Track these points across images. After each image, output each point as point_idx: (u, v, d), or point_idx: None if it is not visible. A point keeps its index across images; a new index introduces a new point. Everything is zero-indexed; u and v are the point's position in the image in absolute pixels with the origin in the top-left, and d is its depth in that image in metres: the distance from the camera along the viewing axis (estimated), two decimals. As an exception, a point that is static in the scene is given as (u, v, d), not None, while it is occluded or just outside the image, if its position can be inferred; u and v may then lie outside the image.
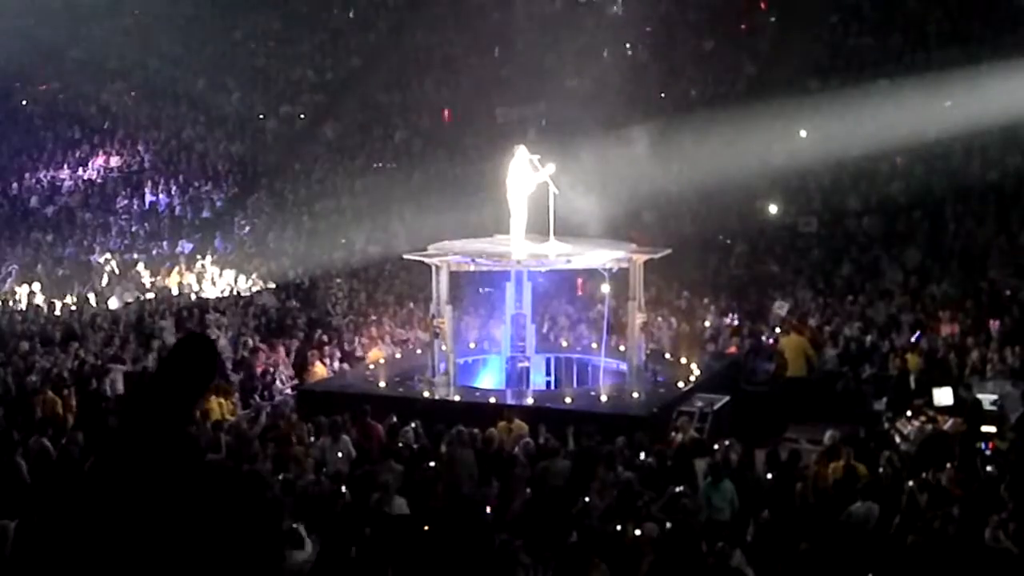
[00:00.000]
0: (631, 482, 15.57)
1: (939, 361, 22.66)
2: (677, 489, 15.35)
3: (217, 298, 31.65)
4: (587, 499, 14.92)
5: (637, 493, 15.19)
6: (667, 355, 24.21)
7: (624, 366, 22.97)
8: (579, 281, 28.24)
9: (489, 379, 23.88)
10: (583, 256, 22.59)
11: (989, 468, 15.93)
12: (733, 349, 25.25)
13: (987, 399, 19.95)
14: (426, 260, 22.90)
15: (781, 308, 26.61)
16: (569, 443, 18.32)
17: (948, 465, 16.11)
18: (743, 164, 32.07)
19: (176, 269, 35.63)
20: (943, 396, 20.25)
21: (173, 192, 42.31)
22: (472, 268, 23.03)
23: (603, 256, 22.55)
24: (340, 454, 17.70)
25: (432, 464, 16.77)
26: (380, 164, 41.33)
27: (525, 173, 22.39)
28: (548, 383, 23.92)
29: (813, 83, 36.82)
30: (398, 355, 24.99)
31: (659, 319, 25.87)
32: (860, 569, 12.08)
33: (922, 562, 12.43)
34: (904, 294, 27.10)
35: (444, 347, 22.31)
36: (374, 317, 27.98)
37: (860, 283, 28.47)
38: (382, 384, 22.28)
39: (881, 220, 31.37)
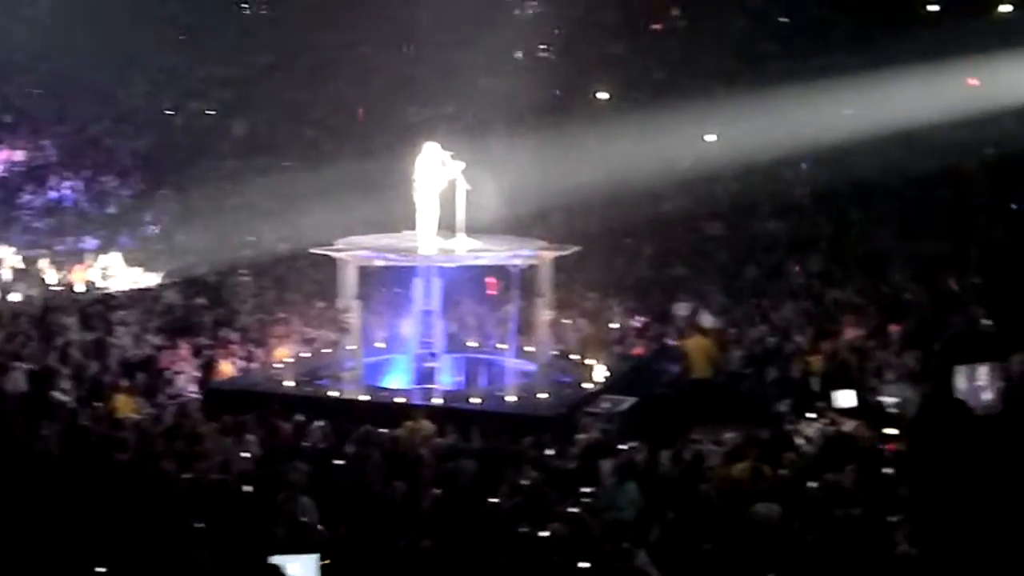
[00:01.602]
0: (537, 483, 15.67)
1: (841, 364, 23.01)
2: (583, 490, 15.46)
3: (122, 295, 31.25)
4: (494, 500, 14.97)
5: (543, 494, 15.28)
6: (574, 356, 24.33)
7: (532, 367, 23.08)
8: (489, 281, 28.30)
9: (397, 379, 23.86)
10: (492, 253, 22.67)
11: (888, 470, 16.20)
12: (639, 350, 25.45)
13: (888, 402, 20.31)
14: (333, 254, 22.82)
15: (687, 310, 26.86)
16: (476, 443, 18.38)
17: (849, 467, 16.39)
18: (651, 166, 32.35)
19: (81, 265, 35.12)
20: (845, 398, 20.57)
21: (78, 187, 41.72)
22: (380, 263, 22.97)
23: (512, 253, 22.62)
24: (246, 453, 17.59)
25: (339, 464, 16.74)
26: (290, 162, 41.11)
27: (435, 170, 22.48)
28: (456, 384, 23.94)
29: (720, 87, 37.22)
30: (306, 354, 24.87)
31: (566, 320, 25.97)
32: (762, 569, 12.25)
33: (822, 561, 12.64)
34: (807, 298, 27.48)
35: (352, 343, 22.27)
36: (282, 315, 27.81)
37: (764, 286, 28.82)
38: (289, 383, 22.19)
39: (786, 224, 31.82)
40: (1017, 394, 18.95)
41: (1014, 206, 29.91)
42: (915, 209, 31.06)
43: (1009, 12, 37.85)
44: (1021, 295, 25.41)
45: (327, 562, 11.85)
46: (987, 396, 11.57)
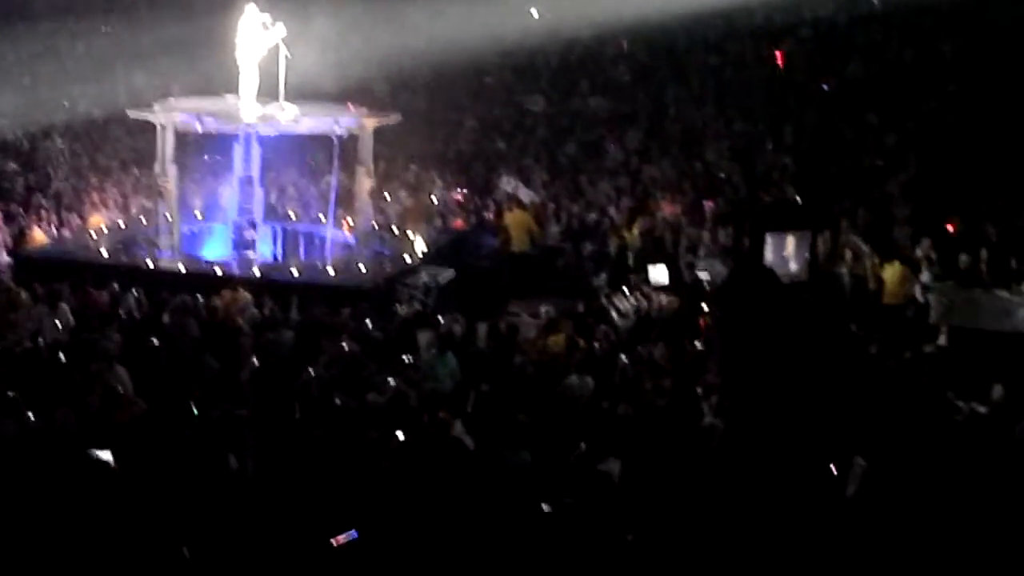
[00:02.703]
0: (356, 353, 15.77)
1: (657, 239, 23.48)
2: (403, 358, 15.63)
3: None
4: (312, 370, 15.03)
5: (361, 364, 15.40)
6: (394, 228, 24.35)
7: (351, 238, 23.05)
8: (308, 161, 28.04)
9: (215, 248, 23.59)
10: (313, 119, 22.45)
11: (698, 344, 16.70)
12: (459, 224, 25.59)
13: (701, 277, 20.87)
14: (150, 118, 22.34)
15: (508, 184, 27.02)
16: (294, 314, 18.39)
17: (661, 341, 16.85)
18: (475, 39, 32.20)
19: None
20: (658, 273, 21.06)
21: None
22: (199, 128, 22.55)
23: (333, 120, 22.42)
24: (58, 322, 17.30)
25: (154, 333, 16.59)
26: (105, 26, 39.78)
27: (255, 33, 22.09)
28: (275, 254, 23.79)
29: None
30: (121, 222, 24.39)
31: (386, 194, 25.92)
32: (574, 439, 12.56)
33: (633, 433, 13.02)
34: (625, 174, 27.85)
35: (168, 210, 21.95)
36: (96, 182, 27.19)
37: (583, 161, 29.10)
38: (104, 251, 21.81)
39: (606, 100, 32.08)
40: (821, 266, 19.73)
41: (825, 87, 30.57)
42: (731, 88, 31.56)
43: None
44: (830, 173, 26.22)
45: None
46: (793, 266, 11.99)
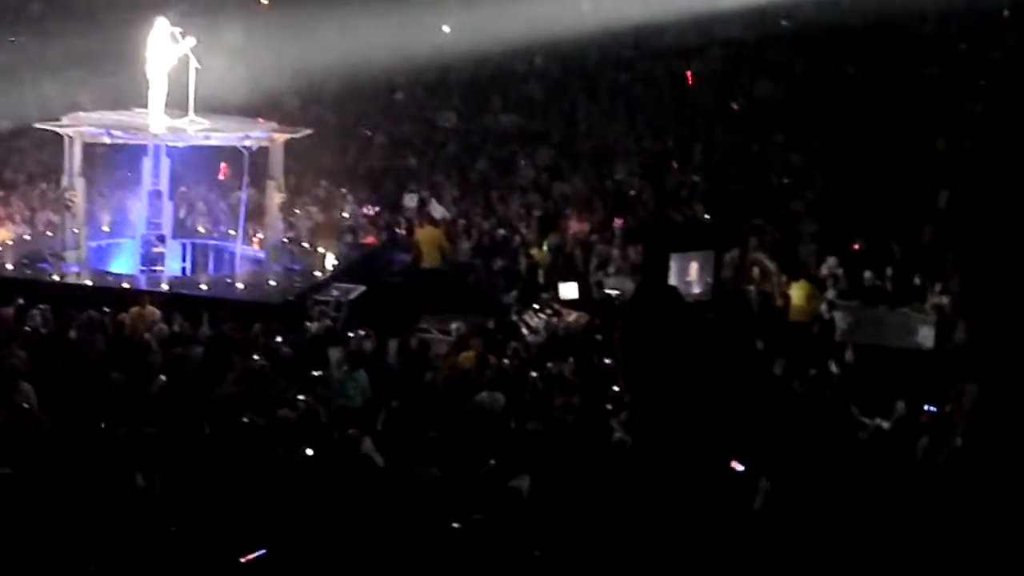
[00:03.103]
0: (266, 370, 15.71)
1: (567, 256, 23.62)
2: (314, 374, 15.58)
3: None
4: (221, 384, 14.95)
5: (271, 381, 15.35)
6: (305, 244, 24.28)
7: (261, 254, 22.96)
8: (223, 166, 27.86)
9: (123, 263, 23.37)
10: (223, 132, 22.34)
11: (608, 361, 16.80)
12: (370, 239, 25.58)
13: (611, 294, 21.04)
14: (59, 130, 22.12)
15: (412, 200, 27.05)
16: (204, 330, 18.27)
17: (570, 358, 16.96)
18: (386, 55, 32.21)
19: None
20: (568, 290, 21.20)
21: None
22: (107, 140, 22.38)
23: (243, 134, 22.33)
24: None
25: (60, 349, 16.41)
26: (13, 37, 39.26)
27: (165, 46, 21.97)
28: (184, 269, 23.63)
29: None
30: (27, 236, 24.08)
31: (296, 210, 25.83)
32: (484, 456, 12.60)
33: (543, 449, 13.09)
34: (536, 191, 27.98)
35: (75, 224, 21.72)
36: (2, 195, 26.81)
37: (495, 178, 29.20)
38: (9, 265, 21.56)
39: (517, 118, 32.22)
40: (728, 284, 19.97)
41: (735, 106, 30.97)
42: (642, 106, 31.84)
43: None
44: (738, 192, 26.54)
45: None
46: (697, 288, 12.14)
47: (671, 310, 1.91)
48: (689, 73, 32.25)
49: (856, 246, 23.00)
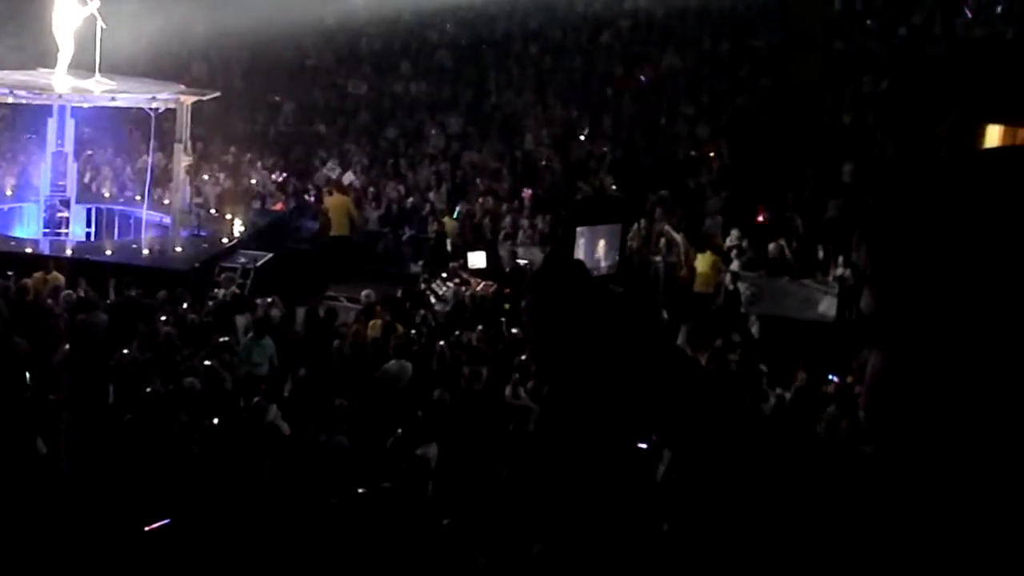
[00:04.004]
0: (171, 336, 15.60)
1: (475, 226, 23.68)
2: (221, 340, 15.50)
3: None
4: (125, 352, 14.82)
5: (177, 347, 15.25)
6: (212, 210, 24.07)
7: (167, 220, 22.73)
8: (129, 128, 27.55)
9: (26, 228, 23.04)
10: (129, 93, 22.06)
11: (515, 330, 16.89)
12: (278, 206, 25.43)
13: (519, 263, 21.15)
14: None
15: (333, 170, 26.88)
16: (109, 296, 18.09)
17: (479, 327, 17.03)
18: (296, 22, 31.99)
19: None
20: (477, 259, 21.27)
21: None
22: (11, 100, 22.00)
23: (150, 95, 22.06)
24: None
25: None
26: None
27: (71, 5, 21.65)
28: (88, 234, 23.33)
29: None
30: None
31: (205, 176, 25.57)
32: (391, 425, 12.65)
33: (449, 416, 13.17)
34: (445, 159, 27.98)
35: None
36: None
37: (404, 146, 29.14)
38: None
39: (427, 85, 32.16)
40: (635, 255, 20.15)
41: (643, 78, 31.14)
42: (551, 76, 31.91)
43: None
44: (645, 163, 26.75)
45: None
46: (605, 262, 12.31)
47: (576, 284, 1.96)
48: (597, 43, 32.34)
49: (760, 218, 23.30)
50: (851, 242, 20.41)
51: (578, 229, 2.12)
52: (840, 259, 20.87)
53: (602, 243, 2.17)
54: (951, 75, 26.46)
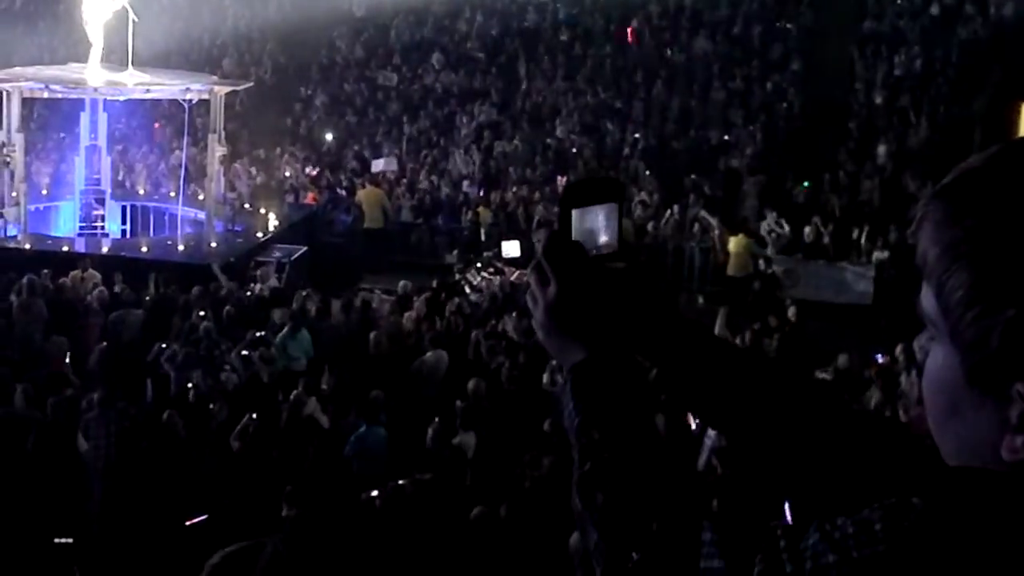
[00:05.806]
0: (208, 331, 15.63)
1: (509, 215, 23.65)
2: (257, 334, 15.53)
3: None
4: (163, 346, 14.87)
5: (214, 342, 15.27)
6: (246, 205, 24.13)
7: (202, 215, 22.78)
8: (156, 125, 27.64)
9: (63, 226, 23.14)
10: (163, 85, 22.10)
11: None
12: (311, 199, 25.47)
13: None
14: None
15: (380, 165, 26.83)
16: (146, 292, 18.15)
17: (513, 314, 17.00)
18: (325, 14, 32.03)
19: None
20: (511, 248, 21.23)
21: None
22: (45, 94, 22.09)
23: (184, 86, 22.10)
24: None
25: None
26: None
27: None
28: (124, 231, 23.43)
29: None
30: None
31: (237, 166, 25.59)
32: (429, 414, 12.64)
33: (484, 405, 13.14)
34: (478, 150, 27.95)
35: (15, 179, 21.41)
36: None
37: (436, 137, 29.13)
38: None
39: (458, 76, 32.12)
40: (668, 239, 20.11)
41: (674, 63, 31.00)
42: (582, 63, 31.79)
43: None
44: (678, 148, 26.64)
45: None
46: (603, 239, 12.27)
47: (575, 263, 1.95)
48: (629, 30, 32.20)
49: (796, 201, 23.18)
50: (890, 225, 20.26)
51: (573, 211, 2.12)
52: (877, 241, 20.76)
53: (599, 222, 2.17)
54: (984, 54, 26.28)
